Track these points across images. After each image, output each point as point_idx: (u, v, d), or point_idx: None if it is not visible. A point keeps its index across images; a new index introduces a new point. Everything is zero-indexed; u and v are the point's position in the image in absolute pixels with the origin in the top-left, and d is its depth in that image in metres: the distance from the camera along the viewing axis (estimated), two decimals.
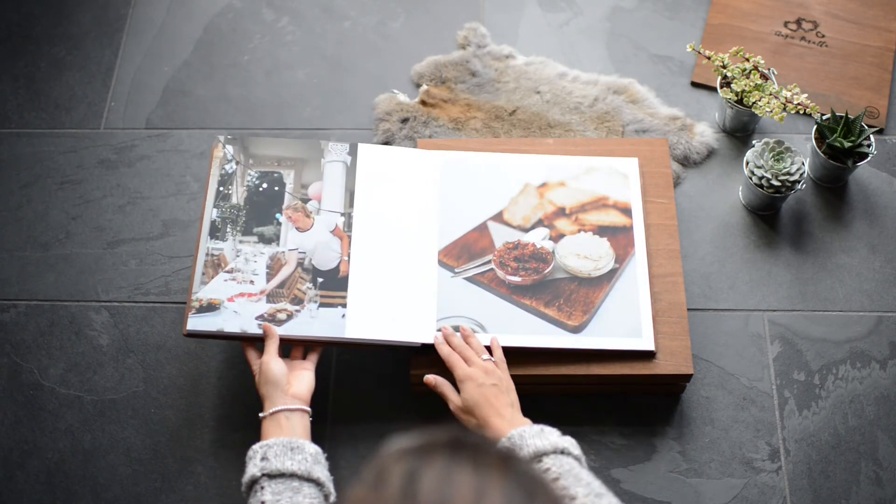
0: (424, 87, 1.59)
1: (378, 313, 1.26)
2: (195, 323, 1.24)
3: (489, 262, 1.32)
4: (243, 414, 1.32)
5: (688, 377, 1.28)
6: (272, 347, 1.20)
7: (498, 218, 1.36)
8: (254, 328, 1.23)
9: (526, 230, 1.35)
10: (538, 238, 1.34)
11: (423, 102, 1.57)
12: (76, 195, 1.51)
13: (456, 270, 1.31)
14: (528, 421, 1.14)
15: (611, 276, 1.31)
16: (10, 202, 1.51)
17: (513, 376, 1.22)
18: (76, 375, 1.37)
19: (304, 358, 1.24)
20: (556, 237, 1.34)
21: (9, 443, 1.32)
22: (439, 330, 1.26)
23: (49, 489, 1.29)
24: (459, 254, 1.32)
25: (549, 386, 1.30)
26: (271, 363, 1.18)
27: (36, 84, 1.62)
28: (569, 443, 1.09)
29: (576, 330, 1.27)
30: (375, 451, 0.67)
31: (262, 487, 1.06)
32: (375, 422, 1.32)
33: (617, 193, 1.38)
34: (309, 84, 1.62)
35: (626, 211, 1.36)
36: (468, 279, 1.31)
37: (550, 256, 1.33)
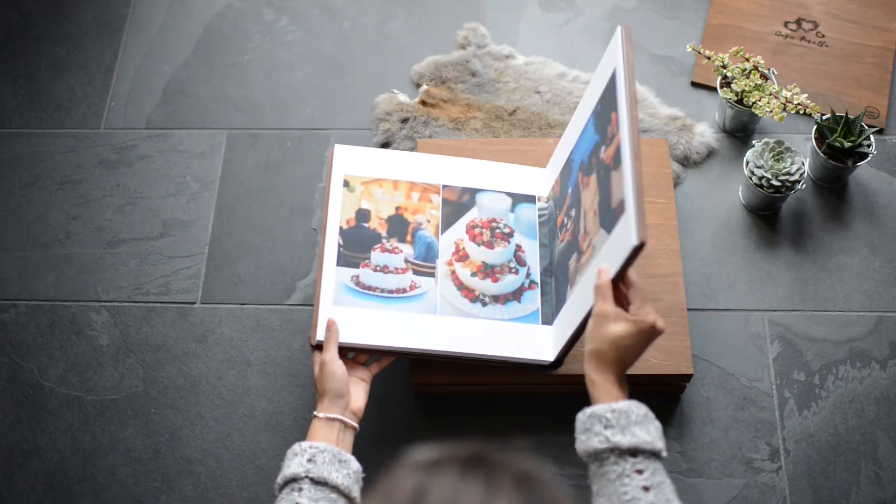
0: (424, 87, 1.59)
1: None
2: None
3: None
4: (243, 414, 1.32)
5: (688, 377, 1.28)
6: (333, 346, 1.17)
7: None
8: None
9: None
10: None
11: (423, 102, 1.57)
12: (76, 195, 1.51)
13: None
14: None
15: None
16: (10, 202, 1.51)
17: (513, 376, 1.22)
18: (76, 375, 1.37)
19: (365, 364, 1.22)
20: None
21: (9, 443, 1.32)
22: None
23: (49, 489, 1.29)
24: None
25: (548, 386, 1.30)
26: (334, 364, 1.15)
27: (36, 84, 1.62)
28: (664, 442, 0.98)
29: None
30: (375, 452, 0.67)
31: (301, 489, 1.04)
32: (376, 422, 1.32)
33: None
34: (309, 84, 1.62)
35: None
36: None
37: None
